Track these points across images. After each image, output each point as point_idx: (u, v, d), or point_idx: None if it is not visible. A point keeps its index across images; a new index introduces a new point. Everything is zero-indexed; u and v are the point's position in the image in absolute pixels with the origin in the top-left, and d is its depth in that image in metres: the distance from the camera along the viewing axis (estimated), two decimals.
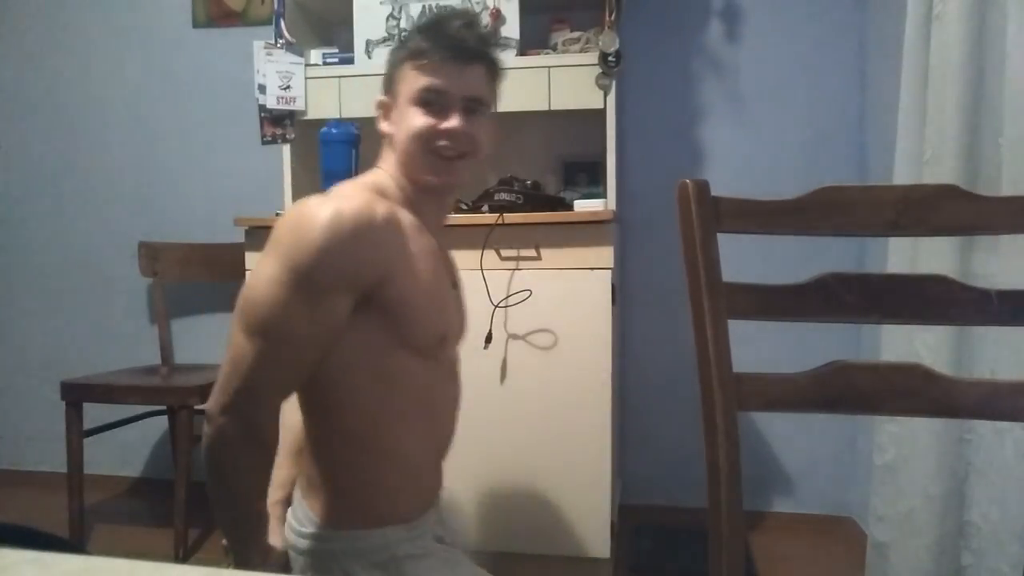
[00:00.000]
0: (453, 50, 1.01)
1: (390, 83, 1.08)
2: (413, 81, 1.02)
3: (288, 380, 0.94)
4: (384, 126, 1.08)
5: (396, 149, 1.06)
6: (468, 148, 1.04)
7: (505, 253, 1.68)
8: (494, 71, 1.08)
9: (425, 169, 1.03)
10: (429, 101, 1.01)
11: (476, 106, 1.04)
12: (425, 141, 1.01)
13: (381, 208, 0.95)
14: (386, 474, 1.02)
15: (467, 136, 1.03)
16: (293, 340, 0.90)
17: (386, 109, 1.08)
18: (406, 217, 1.01)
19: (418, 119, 1.01)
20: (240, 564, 1.00)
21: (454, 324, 1.10)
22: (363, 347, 0.97)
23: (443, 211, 1.13)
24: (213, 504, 0.98)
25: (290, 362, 0.92)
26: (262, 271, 0.91)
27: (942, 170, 1.31)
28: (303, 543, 1.02)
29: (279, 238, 0.92)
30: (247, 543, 0.99)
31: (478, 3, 1.82)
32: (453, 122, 1.01)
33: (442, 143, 1.02)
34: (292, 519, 1.06)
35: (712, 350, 0.76)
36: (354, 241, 0.90)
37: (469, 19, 1.06)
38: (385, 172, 1.07)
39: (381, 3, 1.87)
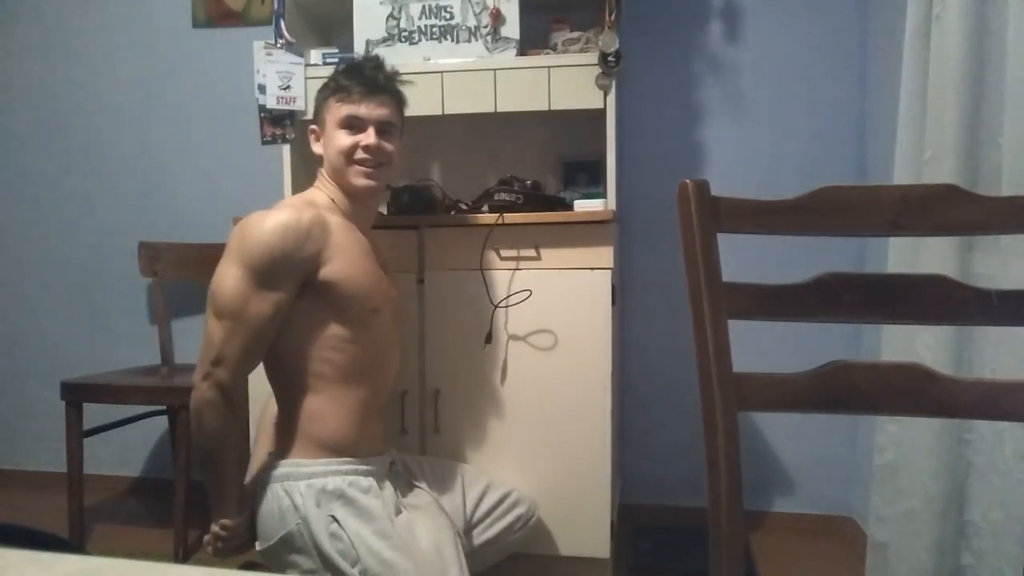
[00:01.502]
0: (367, 86, 1.35)
1: (318, 114, 1.41)
2: (337, 111, 1.35)
3: (250, 350, 1.23)
4: (316, 148, 1.42)
5: (327, 165, 1.39)
6: (383, 159, 1.37)
7: (505, 253, 1.68)
8: (400, 100, 1.43)
9: (352, 175, 1.35)
10: (350, 125, 1.35)
11: (387, 127, 1.38)
12: (349, 155, 1.34)
13: (307, 214, 1.26)
14: (326, 418, 1.29)
15: (381, 150, 1.36)
16: (251, 319, 1.22)
17: (316, 135, 1.42)
18: (333, 219, 1.30)
19: (343, 139, 1.35)
20: (214, 512, 1.26)
21: (384, 300, 1.37)
22: (307, 320, 1.27)
23: (370, 213, 1.46)
24: (198, 463, 1.27)
25: (250, 336, 1.22)
26: (225, 271, 1.23)
27: (942, 170, 1.30)
28: (267, 471, 1.28)
29: (235, 244, 1.24)
30: (221, 494, 1.26)
31: (478, 3, 1.82)
32: (369, 139, 1.34)
33: (361, 156, 1.34)
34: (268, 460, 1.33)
35: (712, 350, 0.76)
36: (286, 241, 1.22)
37: (378, 63, 1.41)
38: (318, 189, 1.40)
39: (381, 3, 1.86)
